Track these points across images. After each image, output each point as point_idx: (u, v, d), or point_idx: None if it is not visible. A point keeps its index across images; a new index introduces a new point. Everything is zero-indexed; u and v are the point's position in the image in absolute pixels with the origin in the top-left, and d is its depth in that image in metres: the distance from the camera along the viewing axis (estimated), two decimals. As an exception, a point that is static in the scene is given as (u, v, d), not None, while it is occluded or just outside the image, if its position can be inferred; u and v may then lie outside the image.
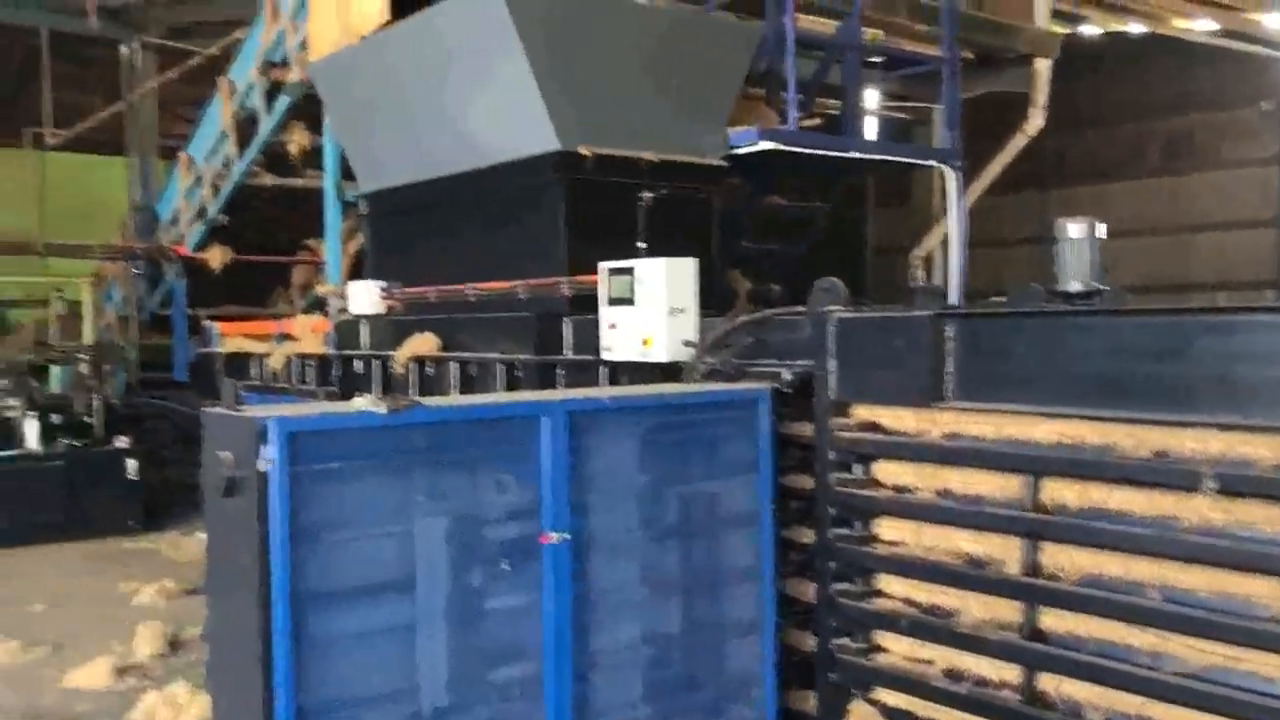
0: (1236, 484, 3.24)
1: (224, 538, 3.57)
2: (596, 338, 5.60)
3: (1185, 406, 3.39)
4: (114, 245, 11.80)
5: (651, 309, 5.14)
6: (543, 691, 3.89)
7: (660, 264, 5.16)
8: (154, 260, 11.26)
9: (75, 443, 10.04)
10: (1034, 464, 3.73)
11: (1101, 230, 5.07)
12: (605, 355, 5.42)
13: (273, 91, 9.22)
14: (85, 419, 10.34)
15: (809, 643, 4.54)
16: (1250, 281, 19.82)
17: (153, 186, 12.38)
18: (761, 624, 4.46)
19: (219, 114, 9.91)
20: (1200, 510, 3.34)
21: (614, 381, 5.51)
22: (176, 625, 6.56)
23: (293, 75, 8.63)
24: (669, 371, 5.16)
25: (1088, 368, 3.66)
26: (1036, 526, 3.74)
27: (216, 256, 10.79)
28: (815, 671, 4.50)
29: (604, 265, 5.45)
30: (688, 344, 5.11)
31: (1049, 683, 3.78)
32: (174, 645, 6.30)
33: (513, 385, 6.16)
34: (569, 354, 5.95)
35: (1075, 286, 4.93)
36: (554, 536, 3.84)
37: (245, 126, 9.75)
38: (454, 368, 6.67)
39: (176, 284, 10.82)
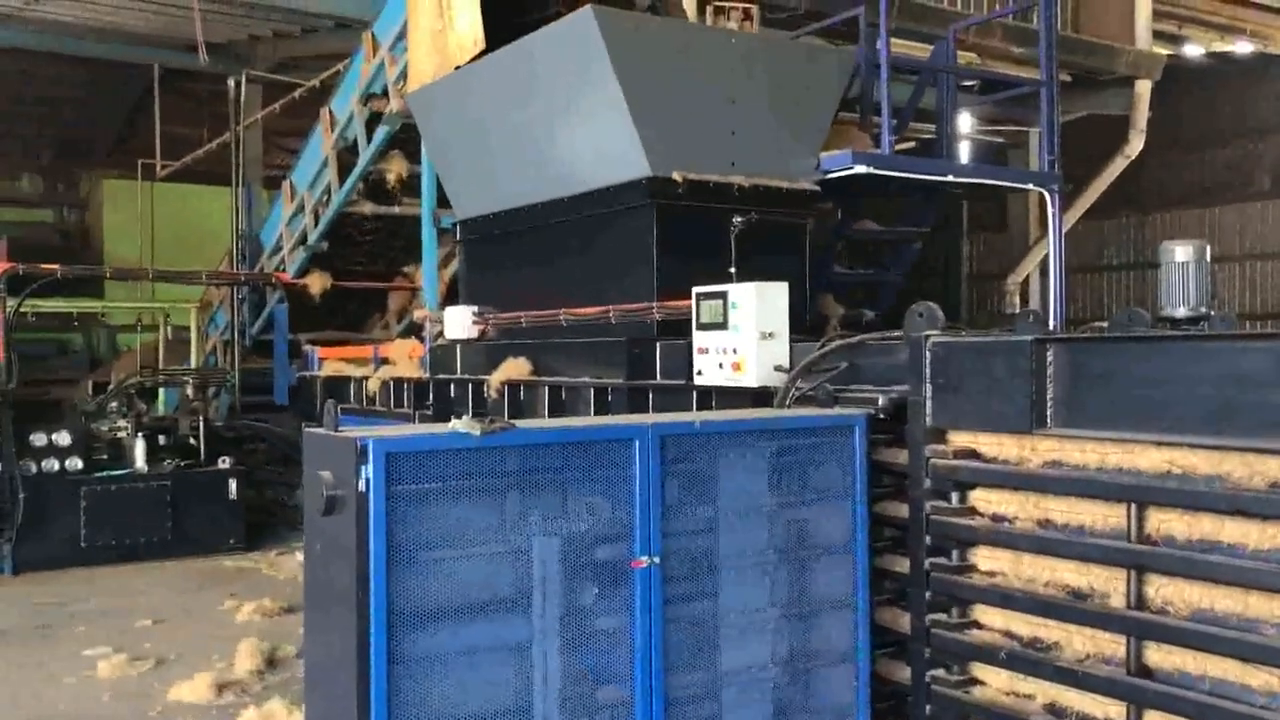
0: (1359, 517, 3.10)
1: (323, 556, 3.64)
2: (687, 363, 5.60)
3: (1302, 435, 3.25)
4: (220, 272, 12.20)
5: (742, 333, 5.12)
6: (634, 716, 3.88)
7: (751, 288, 5.15)
8: (257, 287, 11.60)
9: (180, 463, 10.34)
10: (1140, 493, 3.61)
11: (1208, 253, 4.94)
12: (697, 380, 5.42)
13: (372, 122, 9.47)
14: (190, 440, 10.65)
15: (902, 674, 4.45)
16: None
17: (256, 215, 12.78)
18: (855, 654, 4.38)
19: (320, 144, 10.20)
20: (1320, 544, 3.21)
21: (704, 407, 5.50)
22: (274, 642, 6.69)
23: (391, 106, 8.85)
24: (759, 397, 5.13)
25: (1197, 394, 3.53)
26: (1143, 558, 3.61)
27: (316, 283, 11.07)
28: (909, 704, 4.41)
29: (696, 290, 5.45)
30: (779, 369, 5.09)
31: (1155, 719, 3.64)
32: (271, 662, 6.43)
33: (602, 410, 6.19)
34: (659, 379, 5.97)
35: (1181, 311, 4.81)
36: (644, 561, 3.83)
37: (345, 156, 10.02)
38: (545, 392, 6.73)
39: (278, 309, 11.13)
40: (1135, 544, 3.63)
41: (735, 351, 5.14)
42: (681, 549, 3.98)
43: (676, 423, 4.05)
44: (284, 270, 11.27)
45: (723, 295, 5.26)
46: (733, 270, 6.22)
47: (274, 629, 7.27)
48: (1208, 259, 4.92)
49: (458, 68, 7.38)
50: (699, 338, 5.38)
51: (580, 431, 3.87)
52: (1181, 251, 4.91)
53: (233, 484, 10.49)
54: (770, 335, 5.12)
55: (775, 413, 4.66)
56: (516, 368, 7.00)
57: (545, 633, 3.74)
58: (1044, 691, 3.97)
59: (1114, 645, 3.74)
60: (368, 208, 10.23)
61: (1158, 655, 3.64)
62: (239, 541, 10.40)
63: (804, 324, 6.45)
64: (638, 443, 3.83)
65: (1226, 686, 3.45)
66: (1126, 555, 3.65)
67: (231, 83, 11.86)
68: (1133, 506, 3.63)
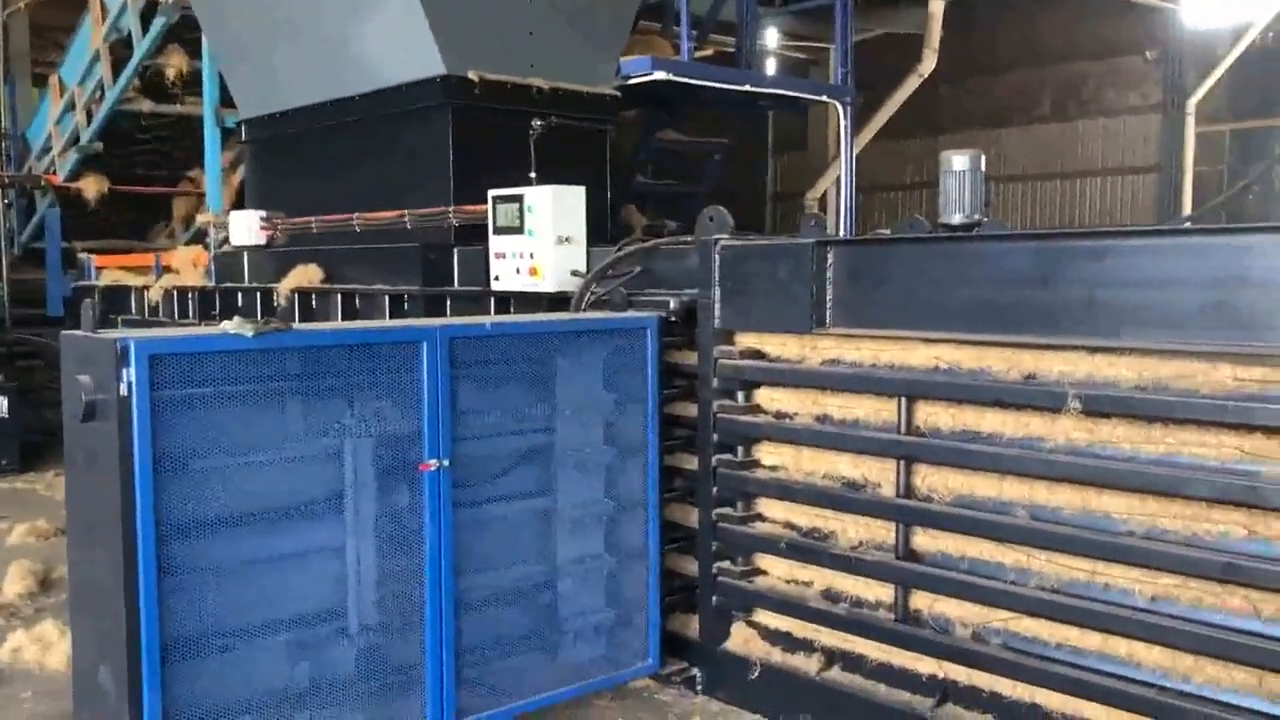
0: (1100, 404, 3.34)
1: (84, 466, 3.43)
2: (485, 269, 5.52)
3: (1055, 330, 3.47)
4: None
5: (539, 237, 5.07)
6: (423, 621, 3.87)
7: (548, 191, 5.09)
8: (25, 190, 10.71)
9: (-59, 381, 9.57)
10: (909, 387, 3.79)
11: (983, 163, 5.15)
12: (494, 285, 5.35)
13: (148, 11, 8.79)
14: (-50, 356, 9.87)
15: (692, 568, 4.59)
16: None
17: (23, 114, 11.75)
18: (646, 550, 4.48)
19: (90, 35, 9.42)
20: (1065, 430, 3.45)
21: (502, 312, 5.45)
22: (47, 564, 6.34)
23: (167, -4, 8.25)
24: (556, 303, 5.12)
25: (963, 294, 3.72)
26: (911, 449, 3.81)
27: (91, 186, 10.31)
28: (697, 597, 4.56)
29: (492, 193, 5.35)
30: (575, 274, 5.07)
31: (922, 601, 3.88)
32: (44, 584, 6.07)
33: (399, 317, 6.03)
34: (457, 285, 5.86)
35: (957, 218, 5.01)
36: (433, 464, 3.78)
37: (119, 49, 9.29)
38: (339, 299, 6.51)
39: (49, 214, 10.33)
40: (904, 436, 3.82)
41: (532, 256, 5.09)
42: (471, 452, 3.95)
43: (466, 324, 3.99)
44: (54, 172, 10.44)
45: (519, 199, 5.18)
46: (532, 175, 6.11)
47: (48, 551, 6.86)
48: (982, 168, 5.13)
49: (239, -46, 6.92)
50: (495, 242, 5.30)
51: (364, 333, 3.75)
52: (959, 161, 5.09)
53: (2, 402, 9.80)
54: (567, 240, 5.09)
55: (568, 316, 4.65)
56: (307, 274, 6.74)
57: (349, 536, 3.67)
58: (821, 578, 4.18)
59: (885, 532, 3.95)
60: (146, 105, 9.56)
61: (924, 539, 3.87)
62: (12, 463, 9.75)
63: (606, 233, 6.44)
64: (425, 345, 3.75)
65: (982, 565, 3.71)
66: (896, 446, 3.85)
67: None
68: (903, 400, 3.82)
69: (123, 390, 3.17)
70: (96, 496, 3.35)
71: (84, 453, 3.41)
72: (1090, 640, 3.47)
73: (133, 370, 3.16)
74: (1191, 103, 19.95)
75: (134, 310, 8.86)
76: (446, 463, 3.82)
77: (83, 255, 9.71)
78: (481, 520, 4.04)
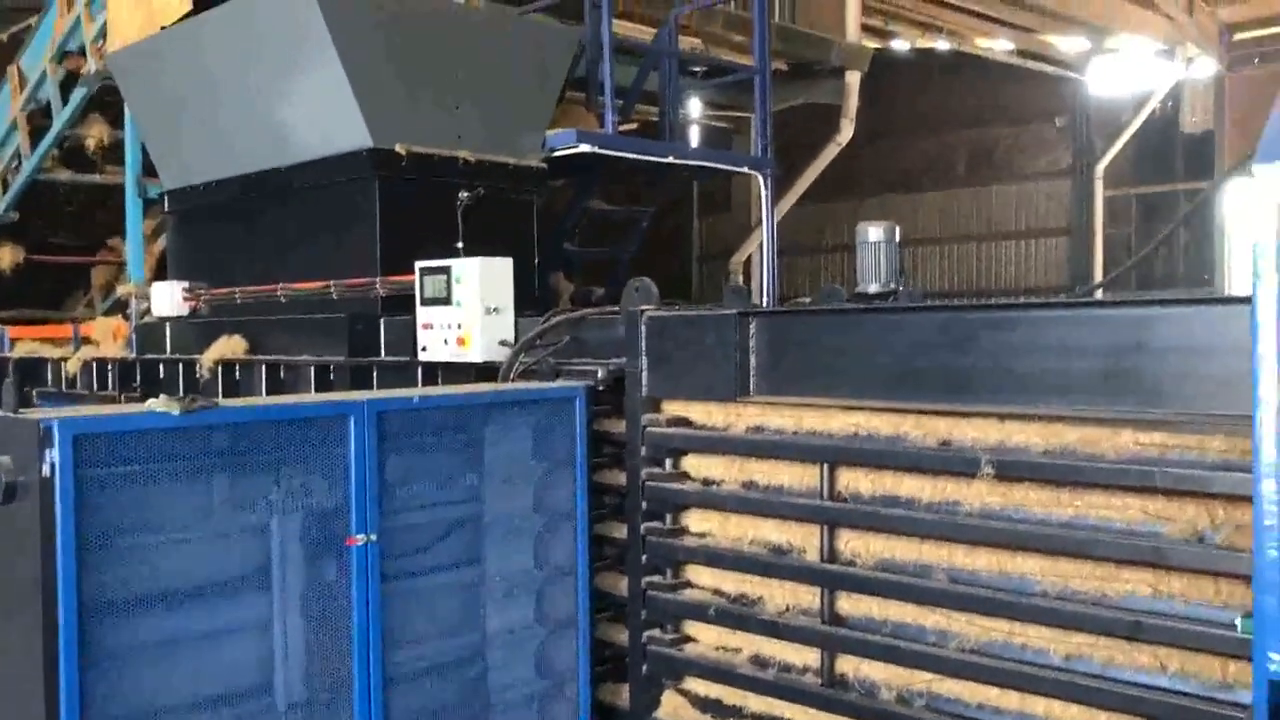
0: (1012, 469, 3.47)
1: (2, 549, 3.37)
2: (412, 339, 5.55)
3: (967, 397, 3.61)
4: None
5: (466, 308, 5.12)
6: (352, 696, 3.84)
7: (476, 263, 5.15)
8: (-65, 259, 10.48)
9: None
10: (830, 454, 3.90)
11: (898, 235, 5.35)
12: (421, 355, 5.37)
13: (68, 82, 8.74)
14: None
15: (622, 636, 4.61)
16: (1048, 287, 21.16)
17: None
18: (576, 620, 4.50)
19: (7, 105, 9.32)
20: (980, 494, 3.57)
21: (429, 383, 5.46)
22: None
23: (89, 66, 8.20)
24: (485, 372, 5.16)
25: (879, 362, 3.85)
26: (833, 514, 3.91)
27: (6, 256, 10.13)
28: (628, 665, 4.57)
29: (419, 264, 5.40)
30: (504, 344, 5.12)
31: (848, 664, 3.95)
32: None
33: (324, 389, 6.02)
34: (384, 355, 5.87)
35: (874, 287, 5.19)
36: (360, 539, 3.78)
37: (37, 118, 9.21)
38: (263, 370, 6.48)
39: (-40, 286, 10.12)
40: (826, 501, 3.91)
41: (460, 327, 5.13)
42: (398, 526, 3.96)
43: (393, 398, 4.01)
44: (-35, 241, 10.25)
45: (446, 270, 5.23)
46: (460, 245, 6.18)
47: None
48: (896, 238, 5.33)
49: (164, 28, 6.93)
50: (423, 313, 5.34)
51: (291, 409, 3.77)
52: (874, 232, 5.30)
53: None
54: (495, 310, 5.15)
55: (498, 387, 4.70)
56: (231, 346, 6.69)
57: (276, 611, 3.65)
58: (750, 643, 4.23)
59: (810, 596, 4.03)
60: (64, 175, 9.44)
61: (848, 604, 3.95)
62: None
63: (534, 301, 6.51)
64: (353, 419, 3.77)
65: (905, 628, 3.80)
66: (819, 512, 3.94)
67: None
68: (824, 466, 3.92)
69: (45, 471, 3.14)
70: (14, 579, 3.29)
71: (3, 534, 3.35)
72: (1010, 700, 3.56)
73: (55, 451, 3.13)
74: (1099, 168, 20.77)
75: (50, 382, 8.68)
76: (374, 537, 3.82)
77: (-5, 326, 9.51)
78: (410, 593, 4.03)
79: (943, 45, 19.00)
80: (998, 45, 19.53)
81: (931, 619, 3.72)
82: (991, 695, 3.59)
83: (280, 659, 3.74)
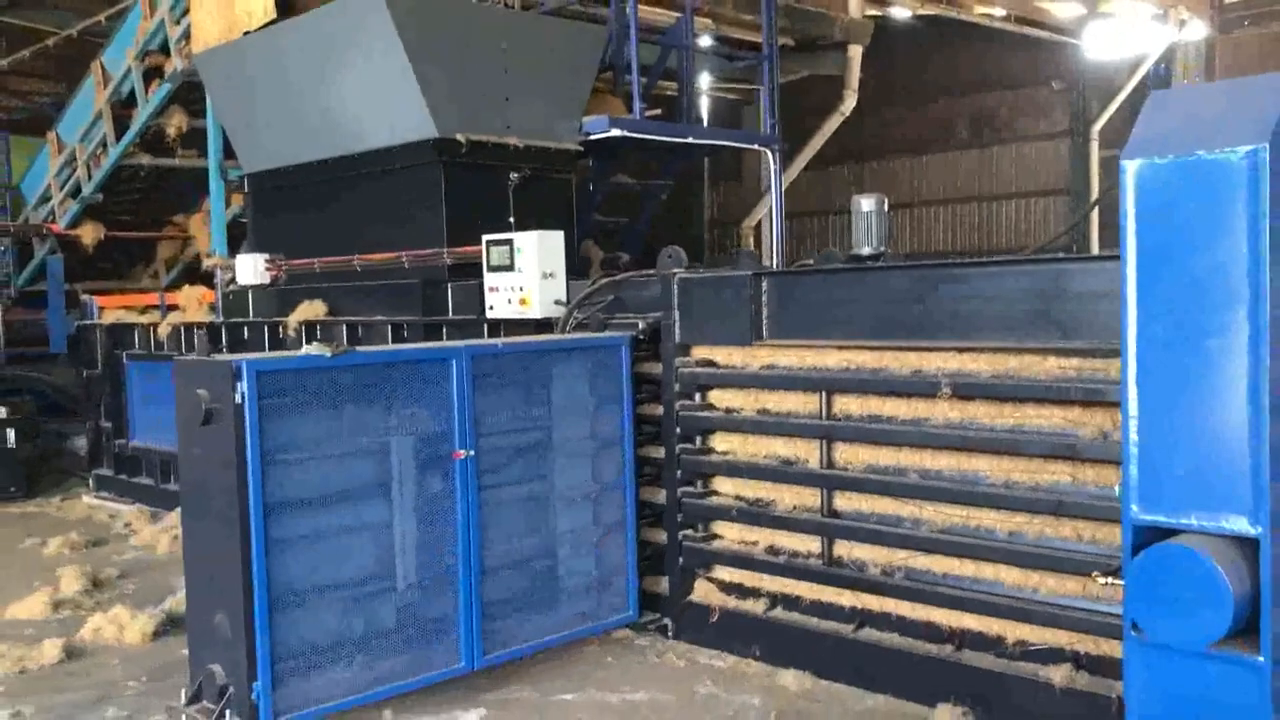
0: (966, 390, 4.50)
1: (200, 461, 4.44)
2: (475, 300, 6.58)
3: (932, 335, 4.63)
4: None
5: (527, 274, 6.15)
6: (457, 581, 4.91)
7: (534, 236, 6.18)
8: (26, 238, 11.55)
9: (-48, 415, 10.34)
10: (827, 384, 4.94)
11: (886, 204, 6.36)
12: (489, 314, 6.41)
13: (149, 76, 9.75)
14: (-43, 392, 10.63)
15: (660, 537, 5.68)
16: (1052, 248, 21.98)
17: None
18: (625, 523, 5.57)
19: (92, 98, 10.35)
20: (943, 411, 4.60)
21: (494, 336, 6.50)
22: (95, 568, 7.22)
23: (173, 64, 9.22)
24: (542, 326, 6.20)
25: (865, 310, 4.88)
26: (830, 431, 4.96)
27: (89, 233, 11.20)
28: (666, 560, 5.65)
29: (486, 238, 6.42)
30: (558, 302, 6.16)
31: (843, 548, 5.02)
32: (96, 584, 6.97)
33: (399, 343, 7.05)
34: (451, 315, 6.91)
35: (865, 250, 6.21)
36: (463, 453, 4.85)
37: (119, 109, 10.23)
38: (343, 330, 7.52)
39: (52, 260, 11.18)
40: (825, 421, 4.96)
41: (522, 289, 6.17)
42: (490, 445, 5.02)
43: (483, 344, 5.07)
44: (54, 221, 11.31)
45: (509, 242, 6.26)
46: (511, 220, 7.22)
47: (86, 559, 7.74)
48: (885, 208, 6.34)
49: (247, 33, 7.93)
50: (490, 278, 6.37)
51: (409, 352, 4.83)
52: (866, 203, 6.31)
53: (10, 433, 10.58)
54: (550, 275, 6.18)
55: (559, 337, 5.75)
56: (313, 309, 7.74)
57: (396, 513, 4.71)
58: (765, 537, 5.30)
59: (812, 497, 5.09)
60: (145, 159, 10.48)
61: (842, 501, 5.01)
62: (19, 490, 10.52)
63: (572, 265, 7.53)
64: (454, 361, 4.83)
65: (887, 518, 4.85)
66: (819, 430, 4.99)
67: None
68: (823, 394, 4.96)
69: (236, 399, 4.20)
70: (212, 484, 4.37)
71: (200, 449, 4.42)
72: (967, 568, 4.61)
73: (244, 383, 4.20)
74: (1095, 129, 21.57)
75: (138, 345, 9.74)
76: (472, 453, 4.89)
77: (85, 296, 10.57)
78: (497, 501, 5.10)
79: (942, 14, 19.77)
80: (995, 12, 20.30)
81: (907, 509, 4.78)
82: (953, 565, 4.65)
83: (399, 550, 4.80)
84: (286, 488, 4.40)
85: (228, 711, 4.32)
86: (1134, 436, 3.33)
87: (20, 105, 15.11)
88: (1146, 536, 3.28)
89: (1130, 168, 3.31)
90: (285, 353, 4.72)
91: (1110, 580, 3.53)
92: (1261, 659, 3.14)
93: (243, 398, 4.20)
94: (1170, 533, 3.25)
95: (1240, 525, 3.15)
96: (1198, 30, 21.77)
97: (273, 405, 4.32)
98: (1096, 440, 4.17)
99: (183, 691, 4.61)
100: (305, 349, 4.48)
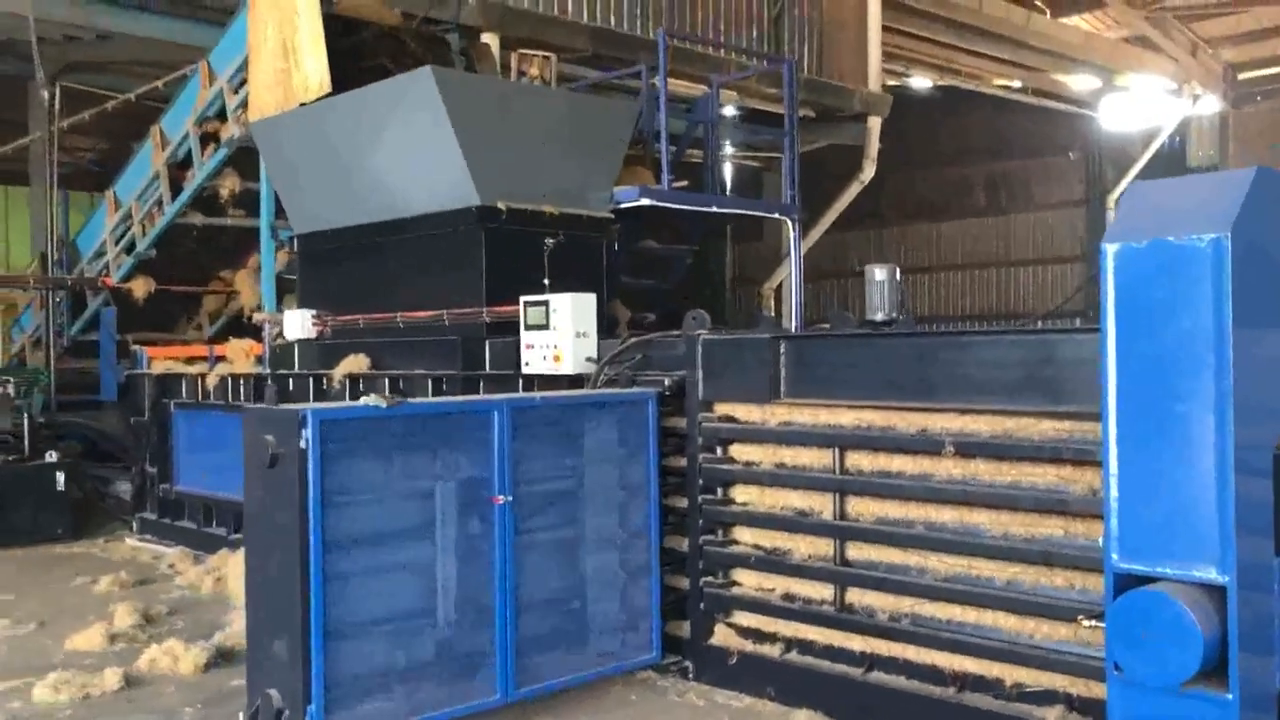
0: (968, 448, 4.88)
1: (264, 501, 4.86)
2: (511, 356, 7.02)
3: (937, 398, 5.03)
4: (48, 276, 12.54)
5: (561, 332, 6.60)
6: (494, 618, 5.28)
7: (568, 298, 6.63)
8: (81, 291, 12.13)
9: (6, 458, 10.82)
10: (840, 440, 5.34)
11: (898, 273, 6.79)
12: (525, 369, 6.84)
13: (205, 141, 10.36)
14: (13, 437, 11.12)
15: (683, 583, 6.05)
16: (1065, 311, 22.36)
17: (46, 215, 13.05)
18: (650, 569, 5.94)
19: (150, 159, 10.97)
20: (947, 468, 4.99)
21: (528, 391, 6.93)
22: (146, 604, 7.62)
23: (229, 130, 9.82)
24: (574, 382, 6.62)
25: (876, 373, 5.29)
26: (843, 485, 5.35)
27: (140, 287, 11.77)
28: (688, 604, 6.01)
29: (524, 299, 6.88)
30: (589, 359, 6.59)
31: (854, 595, 5.37)
32: (148, 619, 7.36)
33: (440, 396, 7.49)
34: (488, 369, 7.35)
35: (879, 316, 6.64)
36: (502, 499, 5.26)
37: (174, 171, 10.84)
38: (385, 383, 7.96)
39: (105, 311, 11.72)
40: (838, 475, 5.35)
41: (556, 347, 6.61)
42: (526, 492, 5.42)
43: (522, 398, 5.50)
44: (108, 275, 11.89)
45: (545, 303, 6.71)
46: (546, 281, 7.69)
47: (135, 595, 8.14)
48: (898, 277, 6.78)
49: (302, 104, 8.49)
50: (526, 336, 6.82)
51: (456, 404, 5.27)
52: (879, 272, 6.75)
53: (60, 476, 11.05)
54: (583, 334, 6.62)
55: (591, 392, 6.18)
56: (357, 363, 8.20)
57: (439, 552, 5.12)
58: (781, 584, 5.66)
59: (826, 546, 5.46)
60: (198, 219, 11.07)
61: (854, 550, 5.38)
62: (67, 531, 10.95)
63: (602, 325, 7.99)
64: (495, 412, 5.26)
65: (895, 567, 5.21)
66: (833, 483, 5.38)
67: (45, 92, 12.23)
68: (836, 450, 5.36)
69: (301, 444, 4.63)
70: (276, 521, 4.79)
71: (265, 490, 4.84)
72: (968, 615, 4.96)
73: (309, 430, 4.63)
74: (1111, 198, 22.04)
75: (185, 395, 10.22)
76: (510, 498, 5.29)
77: (135, 347, 11.10)
78: (531, 544, 5.49)
79: (959, 85, 20.39)
80: (1012, 84, 20.88)
81: (913, 559, 5.14)
82: (956, 612, 4.99)
83: (441, 587, 5.19)
84: (342, 527, 4.81)
85: (283, 733, 4.70)
86: (1114, 492, 3.70)
87: (65, 161, 15.83)
88: (1126, 583, 3.64)
89: (1110, 250, 3.73)
90: (345, 403, 5.15)
91: (1094, 623, 3.89)
92: (1230, 696, 3.49)
93: (307, 443, 4.63)
94: (1148, 580, 3.61)
95: (1210, 574, 3.51)
96: (1211, 105, 22.28)
97: (332, 451, 4.75)
98: (1086, 496, 4.53)
99: (240, 715, 4.99)
100: (363, 399, 4.92)
